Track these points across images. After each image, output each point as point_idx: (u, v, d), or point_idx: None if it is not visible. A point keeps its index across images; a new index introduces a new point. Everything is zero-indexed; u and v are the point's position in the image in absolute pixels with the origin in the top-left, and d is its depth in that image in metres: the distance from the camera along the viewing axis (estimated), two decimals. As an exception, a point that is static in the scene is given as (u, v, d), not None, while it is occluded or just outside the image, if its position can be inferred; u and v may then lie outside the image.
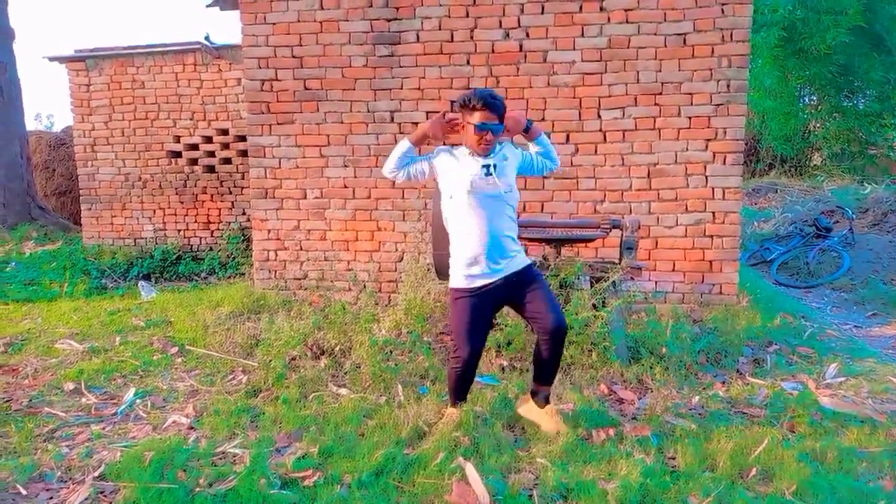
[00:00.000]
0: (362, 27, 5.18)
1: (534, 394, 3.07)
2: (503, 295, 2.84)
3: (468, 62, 5.09)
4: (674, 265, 5.01)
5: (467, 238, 2.79)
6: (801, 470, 2.63)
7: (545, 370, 2.95)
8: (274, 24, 5.28)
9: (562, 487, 2.52)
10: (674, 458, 2.80)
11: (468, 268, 2.80)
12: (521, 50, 5.02)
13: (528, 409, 3.08)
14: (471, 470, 2.55)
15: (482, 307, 2.83)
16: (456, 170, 2.80)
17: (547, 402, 3.02)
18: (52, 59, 7.95)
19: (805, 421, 3.15)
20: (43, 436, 3.15)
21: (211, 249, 7.76)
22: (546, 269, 3.98)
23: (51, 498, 2.57)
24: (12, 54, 9.68)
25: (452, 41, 5.08)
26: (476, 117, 2.68)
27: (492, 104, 2.67)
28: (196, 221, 7.82)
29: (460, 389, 3.01)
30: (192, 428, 3.23)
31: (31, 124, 12.53)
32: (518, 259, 2.85)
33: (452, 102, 5.10)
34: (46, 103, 42.13)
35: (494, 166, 2.76)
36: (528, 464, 2.75)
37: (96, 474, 2.71)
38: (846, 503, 2.39)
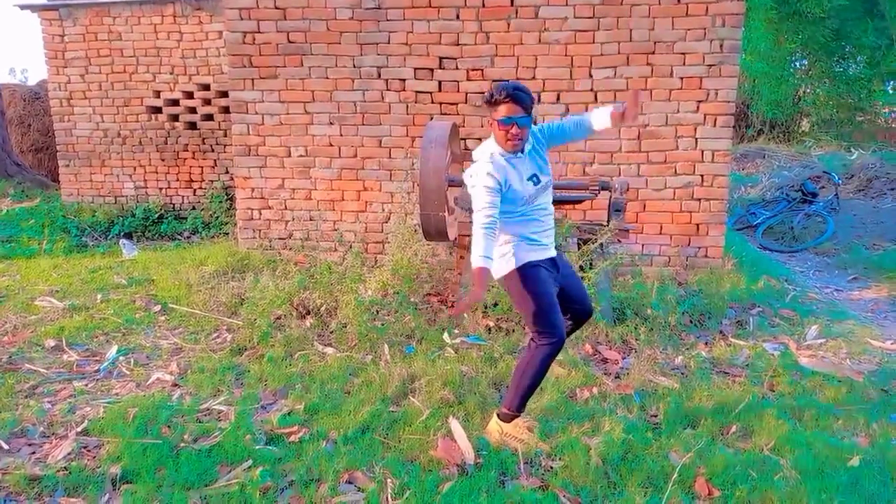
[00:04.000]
0: (348, -22, 5.01)
1: None
2: (557, 277, 2.66)
3: (458, 17, 4.95)
4: (661, 228, 5.00)
5: (534, 230, 2.62)
6: (779, 427, 2.68)
7: None
8: (256, -27, 5.08)
9: (545, 440, 2.55)
10: (656, 416, 2.84)
11: (532, 249, 2.62)
12: (512, 5, 4.88)
13: None
14: (456, 426, 2.57)
15: (550, 274, 2.62)
16: (514, 184, 2.54)
17: None
18: (23, 7, 7.62)
19: (785, 380, 3.21)
20: (24, 392, 3.12)
21: (194, 208, 7.63)
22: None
23: (33, 453, 2.56)
24: (-18, 2, 9.29)
25: (441, -6, 4.93)
26: (501, 111, 2.46)
27: (516, 96, 2.45)
28: (178, 180, 7.66)
29: (539, 384, 2.64)
30: (176, 385, 3.22)
31: (3, 78, 12.13)
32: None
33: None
34: (19, 55, 40.66)
35: (537, 176, 2.58)
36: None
37: (79, 429, 2.70)
38: (822, 458, 2.44)
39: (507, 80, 2.61)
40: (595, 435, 2.59)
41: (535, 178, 2.57)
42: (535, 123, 2.68)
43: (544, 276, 2.59)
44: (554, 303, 2.55)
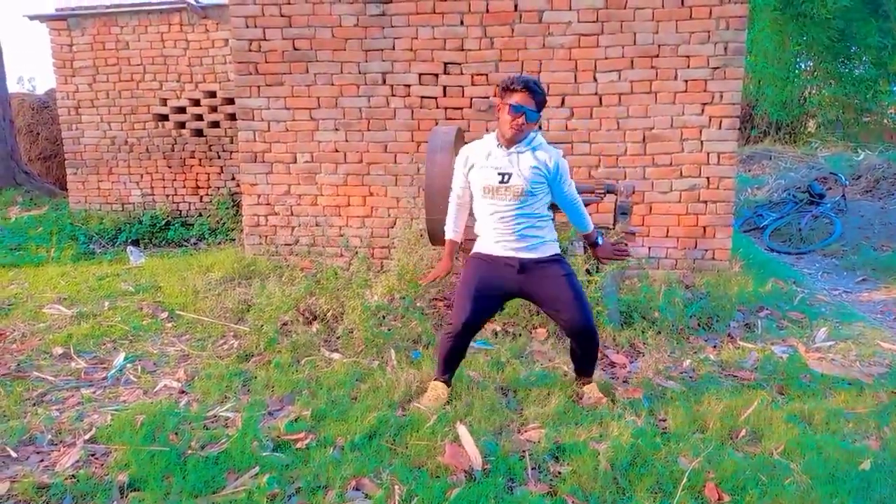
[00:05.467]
0: (352, -15, 5.03)
1: (578, 380, 3.06)
2: (520, 279, 2.73)
3: (462, 22, 4.96)
4: (667, 231, 4.99)
5: (487, 229, 2.78)
6: (789, 430, 2.66)
7: (581, 365, 2.99)
8: (261, -20, 5.11)
9: (553, 448, 2.54)
10: (664, 420, 2.82)
11: (489, 243, 2.79)
12: (516, 10, 4.89)
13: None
14: (463, 431, 2.56)
15: (493, 278, 2.74)
16: (479, 171, 2.74)
17: (589, 383, 3.02)
18: (32, 17, 7.70)
19: (794, 383, 3.19)
20: (32, 400, 3.13)
21: (200, 215, 7.67)
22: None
23: (42, 460, 2.56)
24: (-9, 13, 9.37)
25: (445, 0, 4.94)
26: (514, 98, 2.59)
27: (532, 89, 2.59)
28: (185, 186, 7.70)
29: (448, 361, 2.90)
30: (183, 392, 3.22)
31: (12, 87, 12.20)
32: (541, 248, 2.76)
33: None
34: (27, 65, 41.07)
35: (509, 176, 2.66)
36: (520, 425, 2.76)
37: (87, 437, 2.70)
38: (832, 462, 2.42)
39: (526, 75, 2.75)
40: (603, 440, 2.58)
41: (504, 176, 2.67)
42: (541, 127, 2.76)
43: (476, 271, 2.78)
44: (469, 298, 2.72)
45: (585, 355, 2.92)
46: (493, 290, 2.76)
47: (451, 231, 2.93)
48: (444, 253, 2.94)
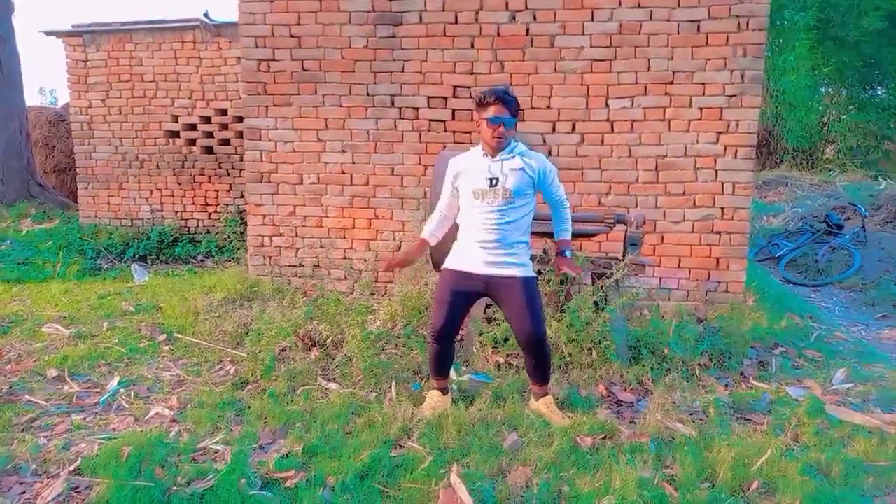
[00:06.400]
0: (363, 6, 5.00)
1: (532, 390, 3.20)
2: (485, 286, 2.95)
3: (472, 46, 4.91)
4: (679, 261, 4.85)
5: (467, 238, 2.95)
6: (805, 484, 2.51)
7: (529, 372, 3.13)
8: (272, 1, 5.10)
9: (555, 498, 2.41)
10: (671, 468, 2.67)
11: (462, 255, 2.97)
12: (527, 34, 4.83)
13: (533, 406, 3.17)
14: (456, 481, 2.44)
15: (462, 286, 2.95)
16: (467, 177, 2.93)
17: (545, 395, 3.13)
18: (48, 33, 7.79)
19: (810, 430, 3.03)
20: (21, 425, 3.06)
21: (208, 232, 7.65)
22: (546, 264, 3.85)
23: (23, 492, 2.49)
24: (11, 28, 9.52)
25: (456, 23, 4.90)
26: (489, 111, 2.81)
27: (504, 98, 2.80)
28: (193, 203, 7.70)
29: (437, 364, 3.11)
30: (174, 420, 3.13)
31: (34, 99, 12.41)
32: (510, 269, 2.89)
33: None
34: (50, 78, 41.91)
35: (497, 180, 2.85)
36: (520, 467, 2.63)
37: (71, 468, 2.63)
38: (852, 521, 2.27)
39: (496, 86, 3.00)
40: (607, 494, 2.43)
41: (493, 180, 2.85)
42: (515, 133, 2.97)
43: (449, 283, 2.97)
44: (443, 308, 2.95)
45: (537, 366, 3.05)
46: (463, 295, 2.99)
47: (428, 233, 3.10)
48: (413, 247, 3.15)
